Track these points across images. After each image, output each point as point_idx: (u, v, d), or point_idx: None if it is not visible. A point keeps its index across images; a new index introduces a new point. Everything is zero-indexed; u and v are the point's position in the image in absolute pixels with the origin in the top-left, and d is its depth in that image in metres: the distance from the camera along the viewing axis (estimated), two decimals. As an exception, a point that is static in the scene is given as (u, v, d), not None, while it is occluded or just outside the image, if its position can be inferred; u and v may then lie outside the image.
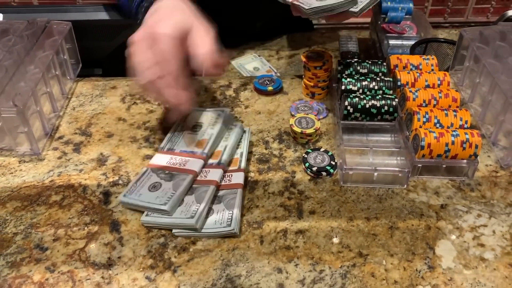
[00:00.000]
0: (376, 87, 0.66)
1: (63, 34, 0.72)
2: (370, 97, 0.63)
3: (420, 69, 0.71)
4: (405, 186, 0.59)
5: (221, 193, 0.56)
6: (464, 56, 0.73)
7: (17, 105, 0.60)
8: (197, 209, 0.53)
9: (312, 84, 0.72)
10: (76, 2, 1.48)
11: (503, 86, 0.61)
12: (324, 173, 0.60)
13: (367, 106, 0.63)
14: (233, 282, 0.49)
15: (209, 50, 0.56)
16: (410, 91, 0.64)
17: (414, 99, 0.64)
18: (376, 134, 0.64)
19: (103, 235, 0.54)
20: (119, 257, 0.51)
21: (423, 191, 0.59)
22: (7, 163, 0.63)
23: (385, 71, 0.69)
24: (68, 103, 0.74)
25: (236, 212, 0.54)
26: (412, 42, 0.94)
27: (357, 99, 0.63)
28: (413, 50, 0.90)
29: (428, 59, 0.71)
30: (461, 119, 0.61)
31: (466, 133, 0.58)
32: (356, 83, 0.66)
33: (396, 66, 0.71)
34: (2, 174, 0.62)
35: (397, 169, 0.58)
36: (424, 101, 0.64)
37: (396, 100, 0.63)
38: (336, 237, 0.53)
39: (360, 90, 0.66)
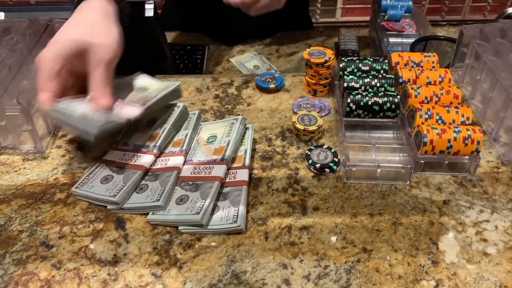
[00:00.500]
0: (378, 84, 0.67)
1: (65, 32, 0.72)
2: (372, 94, 0.64)
3: (421, 67, 0.71)
4: (408, 182, 0.59)
5: (226, 190, 0.57)
6: (465, 53, 0.74)
7: (21, 103, 0.60)
8: (203, 205, 0.53)
9: (314, 81, 0.72)
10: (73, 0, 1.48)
11: (504, 82, 0.62)
12: (327, 170, 0.60)
13: (370, 103, 0.63)
14: (238, 278, 0.49)
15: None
16: (412, 88, 0.65)
17: (416, 96, 0.64)
18: (378, 130, 0.65)
19: (108, 232, 0.54)
20: (124, 254, 0.52)
21: (426, 187, 0.59)
22: (11, 161, 0.63)
23: (387, 68, 0.70)
24: (71, 101, 0.74)
25: (241, 208, 0.54)
26: (411, 40, 0.95)
27: (359, 96, 0.64)
28: (413, 48, 0.90)
29: (429, 56, 0.72)
30: (462, 116, 0.61)
31: (468, 130, 0.58)
32: (358, 80, 0.67)
33: (398, 63, 0.71)
34: (7, 172, 0.62)
35: (400, 165, 0.59)
36: (426, 98, 0.64)
37: (398, 97, 0.64)
38: (339, 234, 0.54)
39: (362, 87, 0.67)
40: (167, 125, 0.63)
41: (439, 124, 0.61)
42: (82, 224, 0.55)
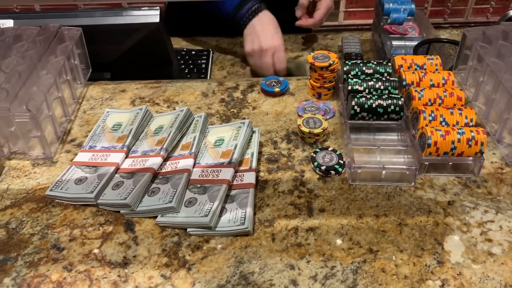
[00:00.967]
0: (382, 87, 0.67)
1: (74, 39, 0.73)
2: (376, 97, 0.65)
3: (425, 69, 0.72)
4: (413, 183, 0.60)
5: (233, 192, 0.58)
6: (467, 56, 0.74)
7: (30, 110, 0.61)
8: (211, 207, 0.54)
9: (318, 85, 0.73)
10: (78, 7, 1.50)
11: (507, 84, 0.63)
12: (332, 172, 0.61)
13: (374, 105, 0.64)
14: (246, 278, 0.50)
15: None
16: (416, 91, 0.66)
17: (419, 98, 0.65)
18: (383, 133, 0.65)
19: (118, 235, 0.55)
20: (134, 256, 0.53)
21: (430, 188, 0.60)
22: (21, 166, 0.65)
23: (390, 71, 0.71)
24: (79, 107, 0.76)
25: (249, 210, 0.55)
26: (414, 43, 0.96)
27: (363, 99, 0.64)
28: (416, 51, 0.91)
29: (432, 59, 0.73)
30: (466, 117, 0.62)
31: (471, 131, 0.59)
32: (362, 83, 0.68)
33: (401, 66, 0.72)
34: (17, 176, 0.63)
35: (404, 167, 0.59)
36: (430, 100, 0.65)
37: (402, 99, 0.64)
38: (345, 235, 0.54)
39: (367, 90, 0.67)
40: (172, 129, 0.65)
41: (443, 126, 0.62)
42: (92, 227, 0.56)
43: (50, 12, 0.79)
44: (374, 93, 0.67)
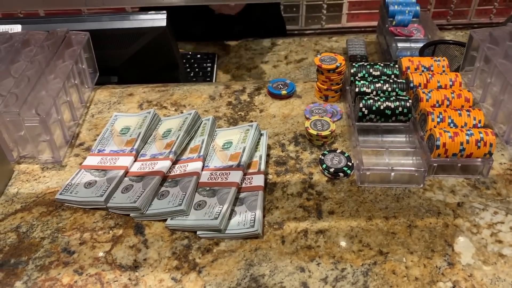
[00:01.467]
0: (389, 89, 0.67)
1: (81, 44, 0.74)
2: (384, 99, 0.65)
3: (432, 71, 0.72)
4: (422, 185, 0.60)
5: (242, 195, 0.58)
6: (474, 57, 0.74)
7: (39, 114, 0.61)
8: (220, 210, 0.54)
9: (325, 87, 0.74)
10: (81, 12, 1.50)
11: (515, 85, 0.63)
12: (341, 174, 0.61)
13: (382, 107, 0.64)
14: (257, 281, 0.50)
15: None
16: (423, 92, 0.66)
17: (427, 100, 0.65)
18: (391, 135, 0.65)
19: (128, 238, 0.55)
20: (144, 259, 0.53)
21: (439, 189, 0.60)
22: (31, 170, 0.65)
23: (398, 73, 0.71)
24: (87, 111, 0.76)
25: (258, 213, 0.55)
26: (420, 45, 0.96)
27: (371, 101, 0.64)
28: (422, 52, 0.91)
29: (439, 60, 0.73)
30: (474, 119, 0.62)
31: (480, 132, 0.59)
32: (369, 85, 0.68)
33: (408, 68, 0.72)
34: (27, 180, 0.63)
35: (413, 168, 0.59)
36: (437, 102, 0.65)
37: (410, 101, 0.64)
38: (355, 237, 0.54)
39: (374, 92, 0.67)
40: (181, 132, 0.65)
41: (451, 127, 0.62)
42: (102, 230, 0.56)
43: (58, 17, 0.80)
44: (381, 95, 0.67)
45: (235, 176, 0.58)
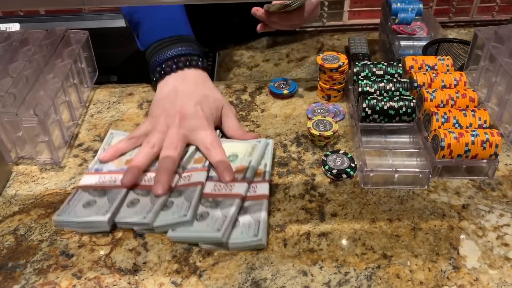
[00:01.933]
0: (393, 89, 0.66)
1: (80, 43, 0.73)
2: (387, 98, 0.64)
3: (436, 70, 0.71)
4: (426, 187, 0.59)
5: (246, 204, 0.56)
6: (479, 56, 0.73)
7: (37, 114, 0.61)
8: (223, 222, 0.52)
9: (328, 86, 0.72)
10: (81, 10, 1.50)
11: (521, 85, 0.62)
12: (344, 176, 0.60)
13: (385, 107, 0.63)
14: (259, 285, 0.49)
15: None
16: (427, 92, 0.65)
17: (431, 100, 0.64)
18: (394, 135, 0.64)
19: (128, 241, 0.54)
20: (144, 263, 0.52)
21: (444, 191, 0.59)
22: (29, 171, 0.64)
23: (401, 72, 0.70)
24: (86, 111, 0.75)
25: (262, 222, 0.53)
26: (423, 43, 0.94)
27: (374, 101, 0.63)
28: (425, 51, 0.90)
29: (443, 59, 0.72)
30: (479, 119, 0.61)
31: (485, 133, 0.58)
32: (373, 85, 0.67)
33: (412, 67, 0.71)
34: (25, 182, 0.62)
35: (417, 170, 0.58)
36: (442, 102, 0.64)
37: (414, 101, 0.63)
38: (358, 240, 0.53)
39: (377, 92, 0.66)
40: (190, 148, 0.63)
41: (456, 128, 0.61)
42: (101, 233, 0.55)
43: (56, 15, 0.79)
44: (385, 94, 0.66)
45: (240, 188, 0.56)
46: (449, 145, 0.57)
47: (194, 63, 0.68)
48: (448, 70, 0.71)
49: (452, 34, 1.14)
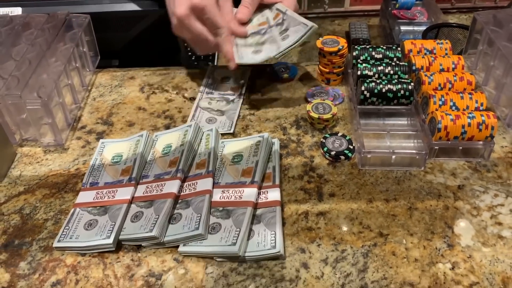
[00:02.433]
0: (391, 72, 0.67)
1: (82, 26, 0.74)
2: (386, 81, 0.64)
3: (434, 54, 0.71)
4: (423, 168, 0.60)
5: (258, 212, 0.54)
6: (478, 40, 0.74)
7: (41, 97, 0.62)
8: (238, 234, 0.50)
9: (327, 70, 0.73)
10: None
11: (518, 68, 0.62)
12: (342, 157, 0.61)
13: (384, 90, 0.64)
14: (258, 262, 0.50)
15: None
16: (425, 75, 0.65)
17: (429, 83, 0.65)
18: (392, 118, 0.65)
19: (130, 220, 0.55)
20: (147, 241, 0.53)
21: (440, 172, 0.60)
22: (33, 152, 0.65)
23: (400, 56, 0.70)
24: (89, 94, 0.76)
25: (278, 231, 0.51)
26: (423, 28, 0.95)
27: (373, 84, 0.64)
28: (425, 36, 0.90)
29: (441, 43, 0.72)
30: (476, 102, 0.62)
31: (482, 115, 0.59)
32: (371, 68, 0.67)
33: (410, 50, 0.72)
34: (29, 163, 0.64)
35: (414, 151, 0.60)
36: (440, 85, 0.65)
37: (412, 84, 0.64)
38: (355, 219, 0.55)
39: (376, 75, 0.67)
40: (184, 147, 0.60)
41: (453, 110, 0.61)
42: (104, 212, 0.56)
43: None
44: (383, 78, 0.67)
45: (250, 194, 0.54)
46: (445, 127, 0.58)
47: None
48: (446, 54, 0.71)
49: (453, 19, 1.15)
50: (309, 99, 0.71)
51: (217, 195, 0.56)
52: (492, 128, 0.58)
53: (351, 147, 0.62)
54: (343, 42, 0.71)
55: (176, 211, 0.54)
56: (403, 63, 0.68)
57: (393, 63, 0.68)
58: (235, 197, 0.55)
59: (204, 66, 0.81)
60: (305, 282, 0.49)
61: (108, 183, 0.58)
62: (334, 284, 0.48)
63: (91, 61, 0.78)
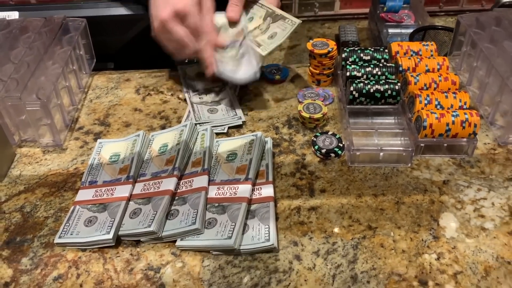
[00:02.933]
0: (379, 73, 0.70)
1: (78, 30, 0.75)
2: (374, 82, 0.67)
3: (420, 55, 0.74)
4: (409, 164, 0.63)
5: (253, 207, 0.56)
6: (462, 42, 0.77)
7: (40, 98, 0.63)
8: (233, 228, 0.52)
9: (317, 71, 0.76)
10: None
11: (499, 68, 0.65)
12: (332, 155, 0.64)
13: (372, 90, 0.66)
14: (253, 255, 0.53)
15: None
16: (412, 76, 0.68)
17: (415, 83, 0.68)
18: (380, 117, 0.68)
19: (129, 217, 0.57)
20: (145, 236, 0.55)
21: (426, 168, 0.63)
22: (32, 153, 0.67)
23: (387, 57, 0.73)
24: (86, 96, 0.78)
25: (272, 226, 0.53)
26: (410, 30, 0.98)
27: (361, 84, 0.67)
28: (412, 38, 0.93)
29: (427, 45, 0.75)
30: (460, 101, 0.65)
31: (465, 113, 0.61)
32: (360, 70, 0.70)
33: (397, 52, 0.75)
34: (29, 163, 0.65)
35: (401, 148, 0.62)
36: (425, 85, 0.68)
37: (399, 84, 0.67)
38: (345, 213, 0.57)
39: (364, 76, 0.70)
40: (180, 146, 0.61)
41: (438, 109, 0.64)
42: (103, 210, 0.58)
43: (54, 3, 0.81)
44: (371, 78, 0.69)
45: (245, 191, 0.56)
46: (431, 125, 0.61)
47: None
48: (432, 55, 0.74)
49: (439, 22, 1.18)
50: (300, 100, 0.74)
51: (213, 192, 0.58)
52: (475, 125, 0.61)
53: (341, 145, 0.65)
54: (332, 44, 0.74)
55: (173, 207, 0.56)
56: (390, 64, 0.71)
57: (381, 64, 0.71)
58: (230, 193, 0.57)
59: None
60: (298, 273, 0.51)
61: (106, 181, 0.60)
62: (325, 275, 0.51)
63: (87, 63, 0.80)
